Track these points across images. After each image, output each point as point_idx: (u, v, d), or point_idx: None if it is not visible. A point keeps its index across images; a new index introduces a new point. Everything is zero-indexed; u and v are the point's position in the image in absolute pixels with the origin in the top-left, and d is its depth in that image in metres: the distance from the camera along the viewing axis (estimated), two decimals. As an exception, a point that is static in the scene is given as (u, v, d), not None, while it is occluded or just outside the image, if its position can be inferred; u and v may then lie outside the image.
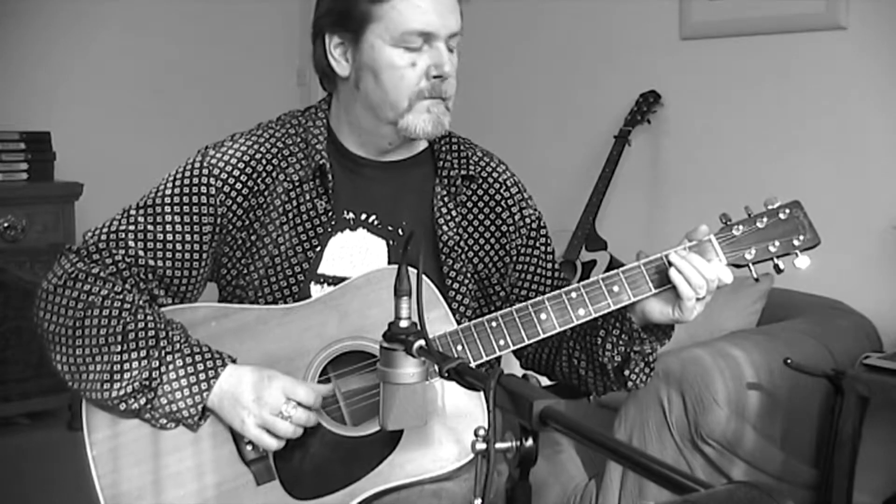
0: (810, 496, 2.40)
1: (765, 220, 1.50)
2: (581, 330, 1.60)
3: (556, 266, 1.71)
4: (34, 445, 3.47)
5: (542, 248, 1.69)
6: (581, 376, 1.64)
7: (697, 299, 1.45)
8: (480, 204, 1.64)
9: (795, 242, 1.50)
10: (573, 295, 1.47)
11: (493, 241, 1.64)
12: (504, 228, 1.65)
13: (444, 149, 1.64)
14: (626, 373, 1.58)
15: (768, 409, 2.26)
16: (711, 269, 1.44)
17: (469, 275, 1.61)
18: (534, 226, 1.68)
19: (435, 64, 1.48)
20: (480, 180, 1.65)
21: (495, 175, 1.67)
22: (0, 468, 3.16)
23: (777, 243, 1.50)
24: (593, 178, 3.21)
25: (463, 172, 1.63)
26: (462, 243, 1.62)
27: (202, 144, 1.60)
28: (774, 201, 1.51)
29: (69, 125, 3.85)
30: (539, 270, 1.68)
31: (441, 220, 1.60)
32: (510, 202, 1.66)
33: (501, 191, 1.66)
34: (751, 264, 1.50)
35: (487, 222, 1.64)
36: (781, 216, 1.51)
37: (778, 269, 1.50)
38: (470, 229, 1.63)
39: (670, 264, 1.45)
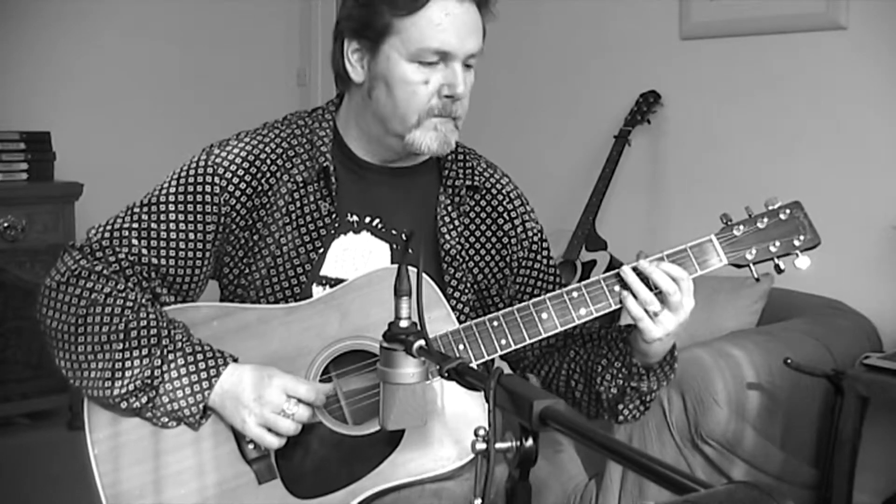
0: (810, 496, 2.40)
1: (765, 220, 1.50)
2: (585, 354, 1.61)
3: (558, 278, 1.72)
4: (34, 445, 3.47)
5: (544, 262, 1.70)
6: (576, 398, 1.63)
7: (656, 314, 1.44)
8: (483, 215, 1.64)
9: (796, 242, 1.51)
10: (574, 294, 1.48)
11: (493, 252, 1.64)
12: (505, 240, 1.65)
13: (449, 158, 1.64)
14: (620, 407, 1.57)
15: (768, 409, 2.26)
16: (661, 277, 1.43)
17: (469, 284, 1.62)
18: (535, 239, 1.69)
19: (448, 84, 1.48)
20: (484, 191, 1.65)
21: (499, 187, 1.67)
22: (0, 468, 3.16)
23: (778, 243, 1.50)
24: (593, 178, 3.21)
25: (468, 183, 1.63)
26: (464, 253, 1.62)
27: (202, 144, 1.60)
28: (775, 202, 1.51)
29: (69, 125, 3.85)
30: (540, 284, 1.69)
31: (444, 229, 1.60)
32: (513, 214, 1.66)
33: (504, 203, 1.66)
34: (751, 264, 1.51)
35: (489, 233, 1.64)
36: (782, 216, 1.51)
37: (778, 269, 1.51)
38: (472, 239, 1.63)
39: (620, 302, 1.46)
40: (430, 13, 1.45)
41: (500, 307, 1.65)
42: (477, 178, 1.64)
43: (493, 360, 1.54)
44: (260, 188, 1.55)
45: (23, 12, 3.79)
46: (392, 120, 1.51)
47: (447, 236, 1.60)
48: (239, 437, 1.45)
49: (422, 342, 1.17)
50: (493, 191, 1.66)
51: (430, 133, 1.50)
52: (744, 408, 2.21)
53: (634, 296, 1.44)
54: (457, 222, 1.62)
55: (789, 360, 2.22)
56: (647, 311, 1.43)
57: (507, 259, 1.65)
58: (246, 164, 1.55)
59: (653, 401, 1.59)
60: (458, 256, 1.60)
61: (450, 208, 1.62)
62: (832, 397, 2.33)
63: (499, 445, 1.02)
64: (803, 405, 2.39)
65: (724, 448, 2.19)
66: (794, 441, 2.37)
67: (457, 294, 1.59)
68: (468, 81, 1.51)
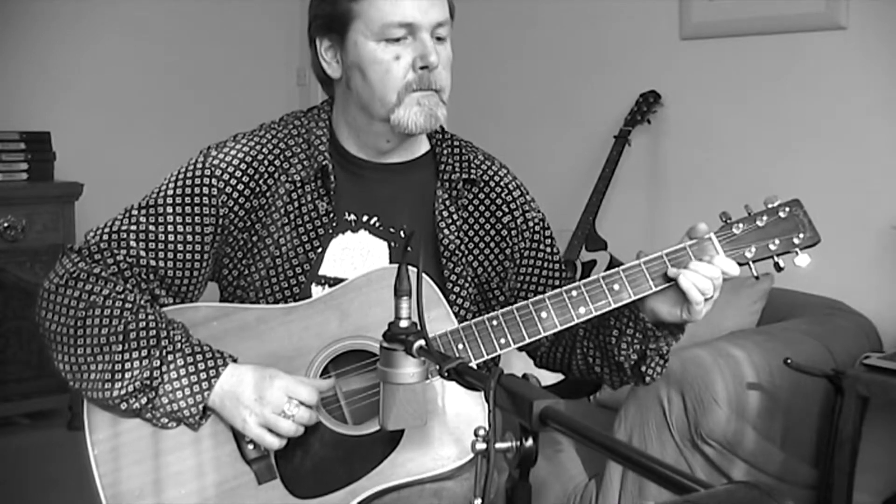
0: (810, 496, 2.40)
1: (765, 218, 1.50)
2: (595, 329, 1.61)
3: (563, 266, 1.72)
4: (34, 445, 3.48)
5: (548, 250, 1.69)
6: (598, 373, 1.65)
7: (706, 299, 1.46)
8: (482, 208, 1.64)
9: (795, 240, 1.51)
10: (574, 293, 1.48)
11: (493, 245, 1.64)
12: (505, 233, 1.65)
13: (445, 152, 1.64)
14: (644, 369, 1.59)
15: (768, 409, 2.26)
16: (712, 269, 1.45)
17: (469, 279, 1.61)
18: (537, 228, 1.68)
19: (420, 55, 1.48)
20: (482, 184, 1.65)
21: (497, 179, 1.66)
22: (0, 468, 3.16)
23: (777, 241, 1.50)
24: (593, 178, 3.21)
25: (465, 176, 1.63)
26: (463, 247, 1.62)
27: (202, 145, 1.60)
28: (774, 200, 1.51)
29: (69, 125, 3.85)
30: (545, 272, 1.69)
31: (442, 224, 1.60)
32: (512, 206, 1.66)
33: (503, 195, 1.66)
34: (751, 262, 1.51)
35: (488, 226, 1.64)
36: (781, 214, 1.51)
37: (778, 268, 1.51)
38: (471, 233, 1.63)
39: (675, 278, 1.45)
40: None
41: (502, 300, 1.65)
42: (474, 171, 1.64)
43: (499, 357, 1.54)
44: (258, 189, 1.55)
45: (22, 13, 3.79)
46: (373, 104, 1.51)
47: (446, 231, 1.60)
48: (238, 438, 1.45)
49: (422, 342, 1.17)
50: (492, 183, 1.65)
51: (414, 108, 1.49)
52: (744, 408, 2.21)
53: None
54: (455, 216, 1.61)
55: (789, 360, 2.22)
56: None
57: (508, 251, 1.65)
58: (243, 166, 1.55)
59: (669, 352, 1.60)
60: (457, 251, 1.60)
61: (447, 203, 1.61)
62: (832, 397, 2.33)
63: (499, 445, 1.02)
64: (803, 405, 2.39)
65: (724, 448, 2.19)
66: (794, 441, 2.37)
67: (457, 289, 1.59)
68: (442, 53, 1.50)
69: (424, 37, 1.48)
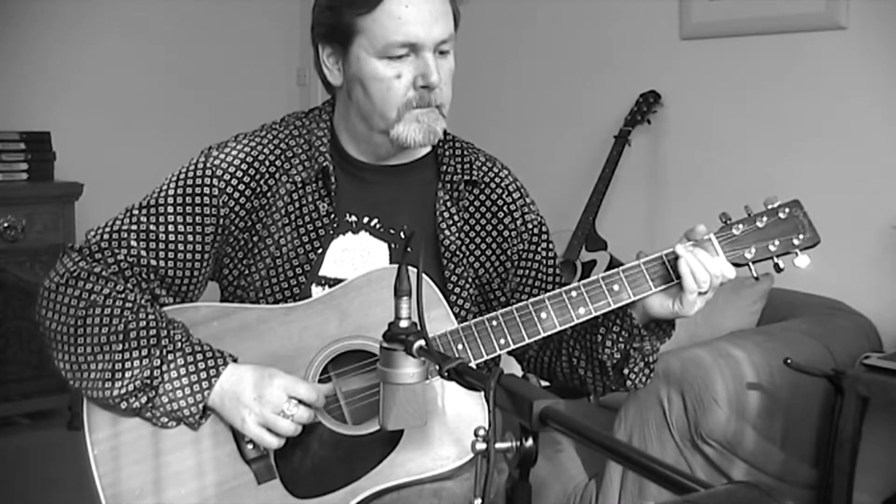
0: (810, 496, 2.40)
1: (764, 219, 1.50)
2: (581, 328, 1.61)
3: (558, 271, 1.72)
4: (34, 445, 3.48)
5: (544, 253, 1.69)
6: (581, 376, 1.64)
7: (700, 293, 1.46)
8: (483, 209, 1.64)
9: (795, 241, 1.51)
10: (573, 294, 1.48)
11: (494, 246, 1.64)
12: (506, 234, 1.65)
13: (447, 153, 1.64)
14: (626, 371, 1.58)
15: (768, 409, 2.26)
16: (716, 265, 1.45)
17: (470, 279, 1.61)
18: (535, 231, 1.68)
19: (421, 74, 1.47)
20: (483, 185, 1.65)
21: (497, 180, 1.66)
22: (0, 468, 3.17)
23: (777, 242, 1.50)
24: (593, 178, 3.21)
25: (466, 177, 1.63)
26: (464, 248, 1.62)
27: (202, 145, 1.60)
28: (774, 201, 1.51)
29: (69, 125, 3.85)
30: (540, 276, 1.69)
31: (443, 225, 1.60)
32: (512, 207, 1.66)
33: (504, 196, 1.66)
34: (751, 263, 1.51)
35: (489, 227, 1.64)
36: (781, 215, 1.51)
37: (778, 268, 1.51)
38: (472, 234, 1.63)
39: (678, 256, 1.45)
40: (389, 8, 1.45)
41: (503, 301, 1.65)
42: (475, 172, 1.64)
43: (499, 357, 1.54)
44: (259, 189, 1.55)
45: (23, 12, 3.79)
46: (373, 117, 1.51)
47: (446, 232, 1.60)
48: (238, 437, 1.45)
49: (422, 342, 1.17)
50: (493, 185, 1.65)
51: (414, 125, 1.50)
52: (744, 408, 2.21)
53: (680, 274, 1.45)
54: (456, 217, 1.62)
55: (789, 360, 2.22)
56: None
57: (508, 252, 1.65)
58: (244, 166, 1.55)
59: (655, 362, 1.60)
60: (458, 252, 1.60)
61: (448, 204, 1.61)
62: (832, 397, 2.33)
63: (499, 445, 1.02)
64: (803, 405, 2.39)
65: (724, 448, 2.19)
66: (794, 441, 2.37)
67: (457, 289, 1.59)
68: (444, 68, 1.50)
69: (427, 56, 1.47)
